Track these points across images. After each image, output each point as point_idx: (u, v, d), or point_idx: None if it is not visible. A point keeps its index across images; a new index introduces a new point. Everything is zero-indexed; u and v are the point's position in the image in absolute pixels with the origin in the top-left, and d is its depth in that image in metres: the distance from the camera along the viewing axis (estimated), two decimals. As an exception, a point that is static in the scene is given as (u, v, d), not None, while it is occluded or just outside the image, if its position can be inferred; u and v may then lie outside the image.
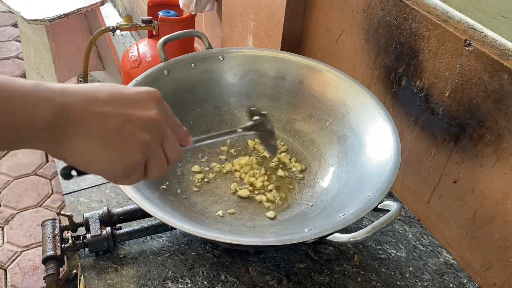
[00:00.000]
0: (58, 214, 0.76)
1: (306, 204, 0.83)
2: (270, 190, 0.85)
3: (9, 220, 1.81)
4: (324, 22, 1.11)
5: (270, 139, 0.73)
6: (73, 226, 0.76)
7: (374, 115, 0.82)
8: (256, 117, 0.70)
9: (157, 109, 0.46)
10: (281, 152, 0.93)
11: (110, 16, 3.11)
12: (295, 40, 1.23)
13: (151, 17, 1.73)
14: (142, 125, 0.44)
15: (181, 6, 1.62)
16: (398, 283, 0.76)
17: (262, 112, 0.72)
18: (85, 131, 0.41)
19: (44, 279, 0.70)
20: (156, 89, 0.48)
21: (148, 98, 0.46)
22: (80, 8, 2.00)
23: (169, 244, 0.79)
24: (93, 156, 0.43)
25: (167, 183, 0.82)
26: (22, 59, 2.57)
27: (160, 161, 0.47)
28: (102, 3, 2.08)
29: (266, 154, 0.92)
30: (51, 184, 1.98)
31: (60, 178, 0.89)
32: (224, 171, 0.89)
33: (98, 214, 0.76)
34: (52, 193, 1.94)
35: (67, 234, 0.75)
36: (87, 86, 0.43)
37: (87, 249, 0.75)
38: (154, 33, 1.76)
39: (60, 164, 0.92)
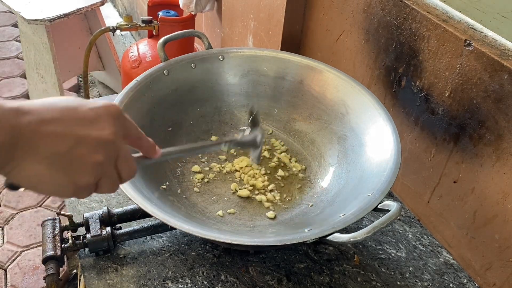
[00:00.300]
0: (58, 214, 0.76)
1: (306, 204, 0.83)
2: (270, 190, 0.86)
3: (9, 220, 1.81)
4: (324, 22, 1.11)
5: (255, 152, 0.74)
6: (73, 226, 0.76)
7: (374, 115, 0.82)
8: (248, 129, 0.72)
9: (113, 127, 0.44)
10: (281, 152, 0.93)
11: (110, 16, 3.11)
12: (295, 40, 1.23)
13: (151, 17, 1.73)
14: (94, 146, 0.42)
15: (181, 6, 1.62)
16: (398, 283, 0.76)
17: (258, 122, 0.73)
18: (34, 154, 0.40)
19: (44, 279, 0.70)
20: (115, 103, 0.46)
21: (104, 116, 0.44)
22: (80, 8, 2.00)
23: (169, 244, 0.79)
24: (40, 179, 0.41)
25: (167, 183, 0.82)
26: (22, 59, 2.57)
27: (112, 180, 0.46)
28: (102, 3, 2.08)
29: (266, 154, 0.92)
30: (51, 184, 1.98)
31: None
32: (224, 171, 0.89)
33: (98, 214, 0.76)
34: (52, 193, 1.94)
35: (67, 234, 0.76)
36: (43, 103, 0.41)
37: (87, 249, 0.75)
38: (154, 33, 1.76)
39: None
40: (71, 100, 0.43)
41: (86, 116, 0.42)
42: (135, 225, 0.78)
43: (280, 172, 0.89)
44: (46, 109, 0.41)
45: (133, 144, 0.50)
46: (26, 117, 0.39)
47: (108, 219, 0.76)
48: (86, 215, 0.75)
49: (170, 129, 0.89)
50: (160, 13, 1.68)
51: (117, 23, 1.72)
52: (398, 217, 0.84)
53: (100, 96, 2.56)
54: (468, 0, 0.77)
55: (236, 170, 0.89)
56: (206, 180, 0.87)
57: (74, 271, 1.64)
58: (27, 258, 1.68)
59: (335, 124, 0.89)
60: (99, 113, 0.43)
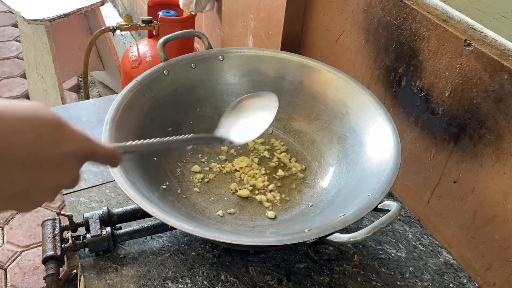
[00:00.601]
0: (58, 214, 0.76)
1: (306, 204, 0.83)
2: (270, 190, 0.86)
3: (9, 220, 1.81)
4: (324, 22, 1.11)
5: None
6: (73, 226, 0.76)
7: (374, 115, 0.82)
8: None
9: (75, 173, 0.41)
10: (281, 152, 0.93)
11: (110, 16, 3.11)
12: (295, 40, 1.23)
13: (151, 17, 1.73)
14: (51, 191, 0.39)
15: (181, 6, 1.62)
16: (398, 283, 0.76)
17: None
18: None
19: (44, 279, 0.70)
20: (88, 143, 0.41)
21: (70, 162, 0.39)
22: (80, 8, 2.00)
23: (169, 244, 0.79)
24: None
25: (167, 183, 0.82)
26: (22, 59, 2.57)
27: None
28: (102, 3, 2.08)
29: (266, 154, 0.92)
30: (51, 184, 1.98)
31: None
32: (224, 171, 0.89)
33: (98, 214, 0.76)
34: (52, 193, 1.94)
35: (67, 234, 0.76)
36: (6, 127, 0.35)
37: (87, 249, 0.75)
38: (154, 33, 1.76)
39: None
40: (42, 129, 0.36)
41: (54, 160, 0.38)
42: (135, 225, 0.78)
43: (280, 172, 0.89)
44: (6, 140, 0.34)
45: (99, 163, 0.47)
46: None
47: (108, 219, 0.76)
48: (86, 215, 0.75)
49: (170, 129, 0.89)
50: (160, 13, 1.68)
51: (117, 23, 1.72)
52: (398, 217, 0.84)
53: (100, 96, 2.56)
54: (468, 0, 0.77)
55: (236, 170, 0.89)
56: (206, 180, 0.87)
57: (74, 271, 1.64)
58: (27, 258, 1.68)
59: (335, 124, 0.89)
60: (66, 159, 0.39)
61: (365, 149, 0.81)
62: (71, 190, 0.87)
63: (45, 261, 0.71)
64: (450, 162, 0.83)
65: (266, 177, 0.88)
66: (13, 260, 1.67)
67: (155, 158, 0.82)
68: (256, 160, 0.91)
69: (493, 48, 0.71)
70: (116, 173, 0.67)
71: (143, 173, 0.75)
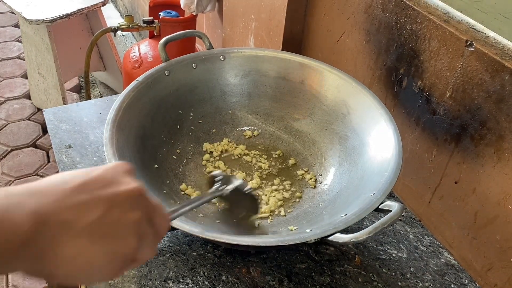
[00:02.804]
0: (59, 214, 0.76)
1: (307, 205, 0.83)
2: (272, 191, 0.86)
3: (10, 220, 1.81)
4: (325, 22, 1.11)
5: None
6: (74, 226, 0.76)
7: (375, 116, 0.82)
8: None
9: (135, 181, 0.41)
10: (281, 153, 0.93)
11: (112, 16, 3.11)
12: (296, 40, 1.23)
13: (152, 18, 1.73)
14: (127, 204, 0.39)
15: (182, 6, 1.62)
16: (399, 283, 0.76)
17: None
18: (68, 230, 0.35)
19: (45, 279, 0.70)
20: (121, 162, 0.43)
21: (121, 172, 0.41)
22: (81, 9, 2.01)
23: (170, 245, 0.79)
24: (85, 257, 0.36)
25: (168, 182, 0.82)
26: (24, 60, 2.58)
27: (152, 241, 0.42)
28: (103, 4, 2.09)
29: (266, 156, 0.92)
30: (52, 184, 1.98)
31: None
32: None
33: (99, 214, 0.75)
34: (53, 193, 1.94)
35: (68, 234, 0.75)
36: (53, 180, 0.38)
37: (88, 249, 0.75)
38: (155, 34, 1.77)
39: (62, 165, 0.92)
40: (79, 171, 0.40)
41: (104, 177, 0.39)
42: (136, 225, 0.78)
43: (281, 173, 0.89)
44: (61, 183, 0.37)
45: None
46: (42, 196, 0.35)
47: (109, 219, 0.76)
48: (87, 215, 0.75)
49: (171, 129, 0.89)
50: (161, 14, 1.69)
51: (118, 23, 1.73)
52: (399, 218, 0.84)
53: (101, 96, 2.56)
54: (470, 0, 0.77)
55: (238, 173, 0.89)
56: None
57: (75, 271, 1.63)
58: (28, 258, 1.68)
59: (336, 124, 0.89)
60: (115, 171, 0.41)
61: (367, 149, 0.81)
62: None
63: (46, 261, 0.71)
64: (451, 162, 0.83)
65: (266, 178, 0.88)
66: (14, 260, 1.67)
67: (156, 166, 0.82)
68: (255, 159, 0.91)
69: (495, 48, 0.71)
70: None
71: (144, 174, 0.75)
